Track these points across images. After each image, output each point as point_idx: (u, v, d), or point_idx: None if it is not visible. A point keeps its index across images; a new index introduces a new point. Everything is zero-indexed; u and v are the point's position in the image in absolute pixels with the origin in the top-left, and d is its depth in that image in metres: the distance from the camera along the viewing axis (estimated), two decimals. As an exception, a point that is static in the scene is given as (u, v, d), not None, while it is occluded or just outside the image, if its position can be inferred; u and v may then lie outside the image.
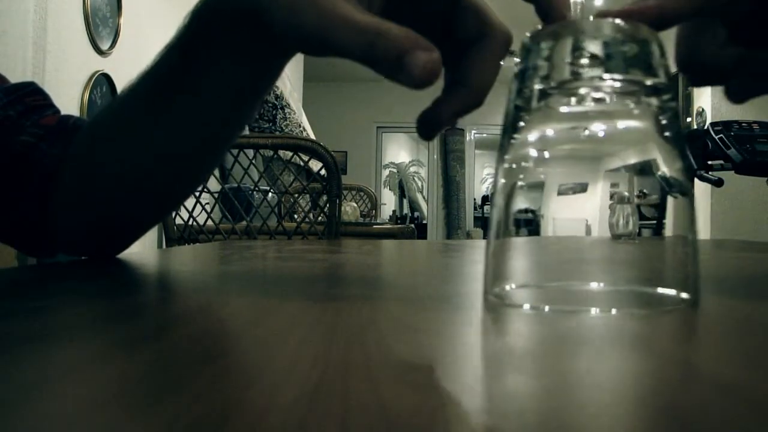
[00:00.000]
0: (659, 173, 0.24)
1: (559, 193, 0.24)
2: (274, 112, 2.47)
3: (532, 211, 0.24)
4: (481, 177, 9.65)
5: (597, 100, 0.24)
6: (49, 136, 0.45)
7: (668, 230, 0.24)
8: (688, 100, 4.52)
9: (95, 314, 0.24)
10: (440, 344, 0.19)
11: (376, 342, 0.18)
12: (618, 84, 0.23)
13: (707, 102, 4.21)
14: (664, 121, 0.24)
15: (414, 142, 9.13)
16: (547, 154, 0.25)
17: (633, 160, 0.24)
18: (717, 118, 3.74)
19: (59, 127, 0.46)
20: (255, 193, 1.64)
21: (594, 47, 0.24)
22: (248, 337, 0.20)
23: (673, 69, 0.28)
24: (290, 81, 3.00)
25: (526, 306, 0.24)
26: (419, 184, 8.94)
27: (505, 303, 0.25)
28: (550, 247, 0.25)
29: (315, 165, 1.52)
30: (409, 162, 8.99)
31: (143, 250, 0.57)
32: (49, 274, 0.38)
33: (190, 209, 1.56)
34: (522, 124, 0.25)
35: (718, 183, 2.06)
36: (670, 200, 0.24)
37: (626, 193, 0.24)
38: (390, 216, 8.00)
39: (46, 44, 1.66)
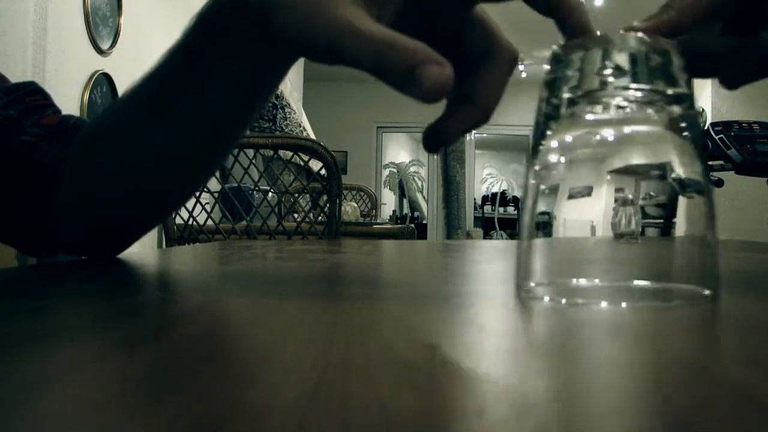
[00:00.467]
0: (679, 175, 0.25)
1: (582, 196, 0.26)
2: (274, 111, 2.47)
3: (548, 214, 0.26)
4: (481, 177, 9.65)
5: (622, 109, 0.25)
6: (50, 135, 0.45)
7: (690, 230, 0.26)
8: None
9: (95, 314, 0.24)
10: (440, 344, 0.19)
11: (376, 342, 0.18)
12: (642, 93, 0.25)
13: (707, 102, 4.21)
14: (685, 127, 0.25)
15: (414, 142, 9.14)
16: (574, 159, 0.27)
17: (653, 163, 0.26)
18: (717, 119, 3.74)
19: (60, 127, 0.46)
20: (255, 192, 1.64)
21: (621, 59, 0.25)
22: (248, 337, 0.20)
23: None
24: (290, 81, 3.00)
25: (559, 301, 0.25)
26: (419, 184, 8.94)
27: (532, 299, 0.26)
28: (574, 248, 0.27)
29: (315, 165, 1.52)
30: (409, 162, 8.99)
31: (143, 250, 0.57)
32: (49, 274, 0.38)
33: (190, 209, 1.56)
34: (550, 131, 0.26)
35: (718, 183, 2.06)
36: (689, 201, 0.25)
37: (630, 196, 0.25)
38: (390, 216, 8.00)
39: (46, 44, 1.66)
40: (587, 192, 0.25)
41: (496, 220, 9.06)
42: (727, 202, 3.95)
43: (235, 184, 1.61)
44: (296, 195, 1.61)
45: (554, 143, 0.26)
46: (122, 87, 2.09)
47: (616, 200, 0.25)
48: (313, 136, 2.58)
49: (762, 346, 0.19)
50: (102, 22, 1.98)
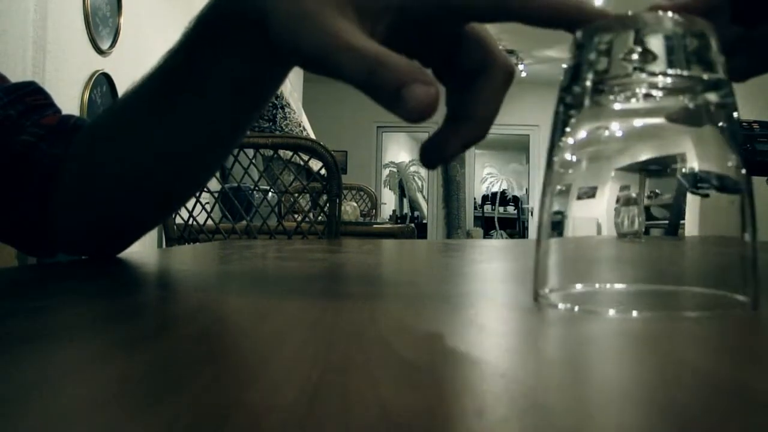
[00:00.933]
0: (714, 171, 0.23)
1: (610, 194, 0.23)
2: (274, 111, 2.47)
3: (561, 212, 0.24)
4: (481, 176, 9.66)
5: (652, 97, 0.23)
6: (50, 135, 0.45)
7: (726, 229, 0.23)
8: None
9: (95, 314, 0.24)
10: (440, 344, 0.19)
11: (376, 342, 0.18)
12: (676, 80, 0.23)
13: (707, 101, 4.21)
14: (722, 118, 0.23)
15: (414, 142, 9.13)
16: (598, 155, 0.24)
17: (690, 157, 0.23)
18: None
19: (60, 127, 0.46)
20: (255, 192, 1.64)
21: (653, 42, 0.23)
22: (248, 337, 0.20)
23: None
24: (290, 81, 3.00)
25: (563, 306, 0.23)
26: (419, 183, 8.94)
27: (550, 305, 0.24)
28: (600, 248, 0.24)
29: (315, 164, 1.52)
30: (409, 161, 8.99)
31: (143, 250, 0.57)
32: (49, 274, 0.38)
33: (190, 209, 1.56)
34: (572, 123, 0.24)
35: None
36: (725, 198, 0.23)
37: (673, 191, 0.23)
38: (390, 215, 8.00)
39: (46, 44, 1.66)
40: (613, 191, 0.23)
41: (496, 220, 9.06)
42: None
43: (235, 184, 1.61)
44: (296, 195, 1.61)
45: (578, 137, 0.24)
46: (122, 87, 2.09)
47: (643, 198, 0.23)
48: (313, 136, 2.58)
49: None
50: (102, 22, 1.98)
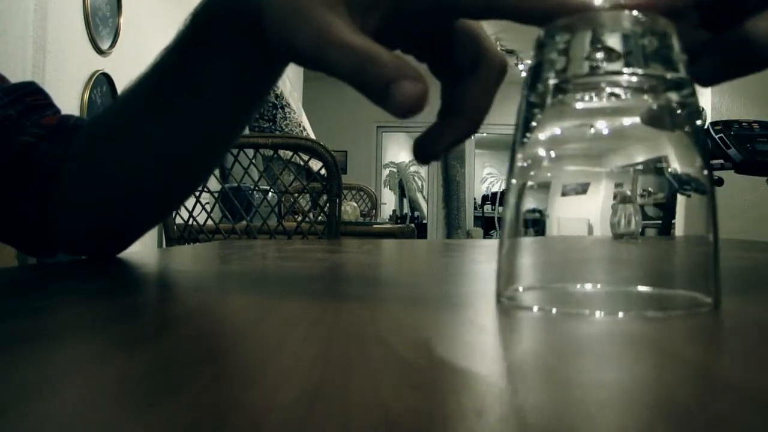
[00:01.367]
0: (677, 171, 0.23)
1: (573, 193, 0.23)
2: (274, 111, 2.47)
3: (540, 212, 0.24)
4: (482, 176, 9.65)
5: (614, 96, 0.23)
6: (50, 136, 0.45)
7: (687, 230, 0.23)
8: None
9: (95, 314, 0.24)
10: (440, 344, 0.19)
11: (376, 342, 0.18)
12: (637, 78, 0.23)
13: (707, 101, 4.21)
14: (684, 117, 0.23)
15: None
16: (561, 153, 0.24)
17: (650, 157, 0.23)
18: (717, 118, 3.73)
19: (59, 127, 0.46)
20: (255, 192, 1.64)
21: (613, 40, 0.23)
22: (248, 337, 0.20)
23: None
24: (290, 81, 3.00)
25: (535, 308, 0.23)
26: (419, 183, 8.94)
27: (517, 305, 0.24)
28: (564, 248, 0.25)
29: (315, 164, 1.52)
30: (409, 161, 8.98)
31: (143, 250, 0.57)
32: (49, 274, 0.38)
33: (190, 209, 1.56)
34: (535, 121, 0.24)
35: (718, 183, 2.06)
36: (687, 199, 0.23)
37: (629, 192, 0.23)
38: (390, 215, 7.99)
39: (46, 44, 1.66)
40: (577, 189, 0.23)
41: (496, 220, 9.06)
42: (727, 202, 3.95)
43: (235, 184, 1.61)
44: (296, 195, 1.61)
45: (540, 135, 0.24)
46: (122, 87, 2.08)
47: (610, 198, 0.23)
48: (313, 136, 2.58)
49: (762, 352, 0.19)
50: (102, 22, 1.97)
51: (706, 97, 4.23)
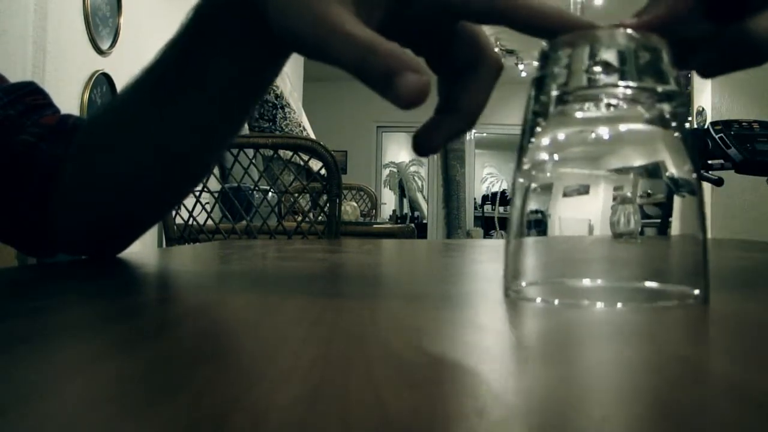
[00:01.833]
0: (668, 174, 0.25)
1: (575, 194, 0.25)
2: (274, 111, 2.46)
3: (541, 212, 0.26)
4: (482, 176, 9.65)
5: (611, 107, 0.25)
6: (50, 135, 0.45)
7: (678, 230, 0.25)
8: (688, 99, 4.52)
9: (95, 314, 0.24)
10: (440, 344, 0.19)
11: (376, 342, 0.18)
12: (631, 91, 0.25)
13: (707, 101, 4.21)
14: (674, 125, 0.25)
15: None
16: (563, 157, 0.26)
17: (645, 162, 0.26)
18: (717, 118, 3.73)
19: (59, 127, 0.46)
20: (255, 192, 1.64)
21: (609, 56, 0.25)
22: (248, 336, 0.20)
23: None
24: (290, 81, 3.00)
25: (538, 300, 0.25)
26: (419, 183, 8.94)
27: (522, 299, 0.26)
28: (566, 247, 0.26)
29: (315, 164, 1.52)
30: (409, 161, 8.99)
31: (143, 250, 0.57)
32: (49, 274, 0.38)
33: (190, 209, 1.56)
34: (539, 128, 0.26)
35: (718, 182, 2.06)
36: (679, 200, 0.25)
37: (629, 194, 0.25)
38: (390, 215, 8.00)
39: (46, 44, 1.66)
40: (577, 190, 0.25)
41: (496, 220, 9.05)
42: (727, 202, 3.95)
43: (235, 184, 1.61)
44: (296, 195, 1.61)
45: (543, 141, 0.26)
46: (122, 87, 2.08)
47: (609, 199, 0.25)
48: (313, 136, 2.58)
49: (754, 345, 0.19)
50: (102, 22, 1.98)
51: (706, 97, 4.23)
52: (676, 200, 0.25)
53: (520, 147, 0.26)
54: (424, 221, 8.07)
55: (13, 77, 0.50)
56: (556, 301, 0.24)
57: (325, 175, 1.49)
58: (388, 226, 2.65)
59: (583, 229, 0.26)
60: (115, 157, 0.43)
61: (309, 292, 0.31)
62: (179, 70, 0.38)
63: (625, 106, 0.25)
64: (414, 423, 0.11)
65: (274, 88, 2.32)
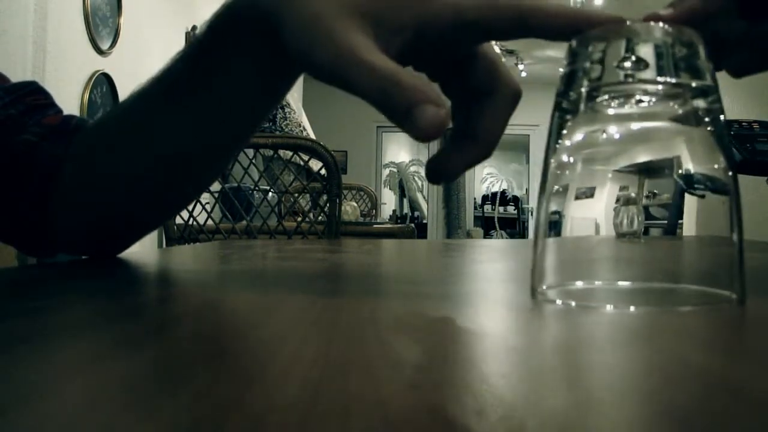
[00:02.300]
0: (704, 173, 0.24)
1: (606, 195, 0.25)
2: (274, 111, 2.46)
3: (560, 212, 0.25)
4: (482, 176, 9.65)
5: (644, 102, 0.24)
6: (51, 135, 0.45)
7: (715, 230, 0.25)
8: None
9: (95, 314, 0.24)
10: (440, 343, 0.19)
11: (376, 341, 0.18)
12: (667, 87, 0.24)
13: (707, 101, 4.21)
14: (708, 122, 0.24)
15: (414, 142, 9.09)
16: (593, 156, 0.26)
17: (684, 160, 0.25)
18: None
19: (61, 127, 0.46)
20: (255, 192, 1.64)
21: (645, 50, 0.24)
22: (248, 336, 0.20)
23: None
24: (290, 81, 3.00)
25: (573, 303, 0.24)
26: (419, 183, 8.93)
27: (553, 301, 0.25)
28: (598, 247, 0.26)
29: (315, 164, 1.52)
30: (410, 161, 8.99)
31: (143, 250, 0.57)
32: (49, 274, 0.38)
33: (190, 209, 1.56)
34: (568, 126, 0.25)
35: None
36: (714, 200, 0.24)
37: (669, 193, 0.24)
38: (390, 215, 8.00)
39: (46, 44, 1.66)
40: (608, 191, 0.25)
41: (496, 220, 9.05)
42: (727, 202, 3.95)
43: (235, 184, 1.61)
44: (296, 195, 1.61)
45: (574, 140, 0.25)
46: (122, 87, 2.09)
47: (642, 198, 0.24)
48: (313, 136, 2.58)
49: None
50: (102, 22, 1.98)
51: (706, 97, 4.23)
52: (711, 199, 0.24)
53: (548, 147, 0.25)
54: (424, 221, 8.06)
55: (13, 77, 0.50)
56: (577, 304, 0.24)
57: (325, 175, 1.49)
58: (388, 226, 2.65)
59: (611, 229, 0.25)
60: (118, 160, 0.43)
61: (309, 292, 0.31)
62: (189, 82, 0.38)
63: (658, 103, 0.24)
64: (414, 423, 0.11)
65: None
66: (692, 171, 0.24)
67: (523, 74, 6.08)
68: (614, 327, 0.21)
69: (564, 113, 0.25)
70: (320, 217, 1.56)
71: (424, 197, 8.58)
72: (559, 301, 0.24)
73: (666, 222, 0.25)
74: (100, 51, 1.96)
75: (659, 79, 0.24)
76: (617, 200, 0.24)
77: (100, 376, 0.15)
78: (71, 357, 0.17)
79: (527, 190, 9.28)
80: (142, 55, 2.20)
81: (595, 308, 0.23)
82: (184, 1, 2.58)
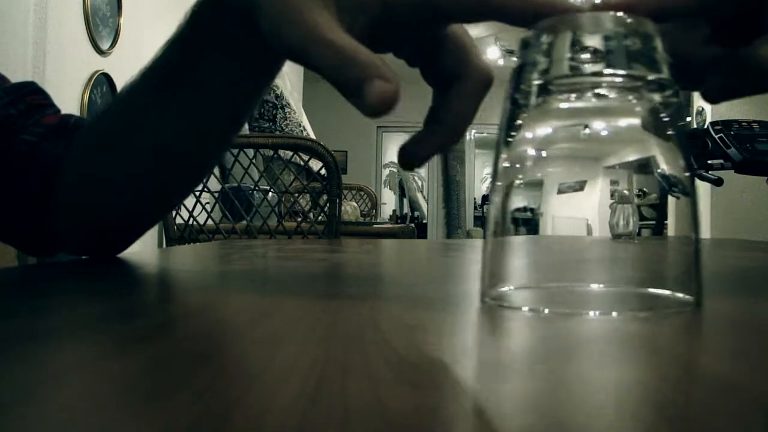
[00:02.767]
0: (660, 171, 0.23)
1: (559, 192, 0.24)
2: (274, 111, 2.46)
3: (531, 210, 0.24)
4: (482, 176, 9.65)
5: (597, 96, 0.23)
6: (51, 134, 0.45)
7: (670, 230, 0.24)
8: (688, 99, 4.52)
9: (95, 314, 0.24)
10: (440, 343, 0.19)
11: (376, 342, 0.18)
12: (619, 79, 0.23)
13: (707, 101, 4.21)
14: (666, 118, 0.23)
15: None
16: (545, 152, 0.25)
17: (633, 157, 0.24)
18: (717, 118, 3.72)
19: (61, 126, 0.46)
20: (255, 192, 1.64)
21: (595, 41, 0.23)
22: (248, 336, 0.20)
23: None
24: (290, 80, 3.00)
25: (525, 308, 0.23)
26: (419, 183, 8.93)
27: (503, 305, 0.24)
28: (549, 247, 0.25)
29: (315, 164, 1.52)
30: (410, 162, 8.97)
31: (143, 250, 0.57)
32: (49, 274, 0.38)
33: (190, 209, 1.56)
34: (520, 121, 0.24)
35: (718, 182, 2.06)
36: (670, 200, 0.23)
37: (626, 192, 0.23)
38: (390, 215, 7.99)
39: (46, 44, 1.66)
40: (564, 188, 0.24)
41: (496, 220, 9.03)
42: (727, 202, 3.95)
43: (235, 184, 1.61)
44: (296, 195, 1.61)
45: (525, 135, 0.24)
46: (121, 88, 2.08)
47: (599, 197, 0.23)
48: (313, 136, 2.57)
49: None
50: (102, 22, 1.97)
51: (706, 97, 4.22)
52: (669, 200, 0.23)
53: (498, 141, 0.25)
54: (424, 221, 8.06)
55: (13, 77, 0.50)
56: (537, 308, 0.23)
57: (325, 175, 1.49)
58: (388, 226, 2.65)
59: (571, 229, 0.24)
60: (114, 156, 0.43)
61: (309, 292, 0.31)
62: (176, 70, 0.38)
63: (612, 96, 0.23)
64: (414, 423, 0.11)
65: (274, 87, 2.32)
66: (651, 169, 0.23)
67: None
68: (555, 333, 0.21)
69: (516, 107, 0.24)
70: (320, 217, 1.56)
71: (424, 197, 8.58)
72: (505, 305, 0.24)
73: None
74: (100, 51, 1.96)
75: (608, 71, 0.22)
76: (582, 199, 0.24)
77: (100, 376, 0.15)
78: (71, 357, 0.17)
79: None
80: (142, 55, 2.19)
81: (539, 313, 0.22)
82: (185, 1, 2.58)
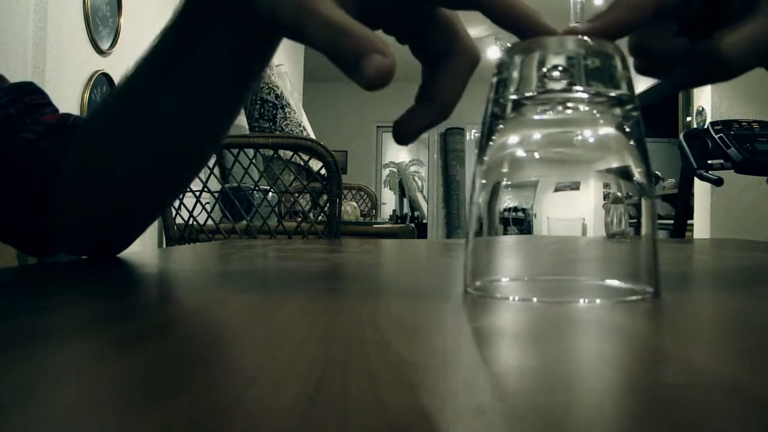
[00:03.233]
0: (623, 175, 0.27)
1: (536, 193, 0.27)
2: (274, 111, 2.46)
3: (518, 210, 0.27)
4: (482, 176, 9.64)
5: (565, 110, 0.27)
6: (50, 133, 0.45)
7: (636, 229, 0.27)
8: (688, 99, 4.52)
9: (95, 314, 0.24)
10: (440, 343, 0.19)
11: (375, 341, 0.18)
12: (583, 95, 0.26)
13: (707, 101, 4.21)
14: (627, 129, 0.26)
15: (415, 142, 9.09)
16: (521, 158, 0.28)
17: (600, 163, 0.27)
18: (717, 118, 3.73)
19: (60, 125, 0.46)
20: (255, 192, 1.64)
21: (559, 61, 0.26)
22: (248, 336, 0.20)
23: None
24: (290, 81, 3.00)
25: (511, 298, 0.26)
26: (419, 183, 8.93)
27: (485, 296, 0.27)
28: (525, 245, 0.28)
29: (315, 164, 1.52)
30: (409, 161, 8.99)
31: (143, 250, 0.57)
32: (49, 274, 0.38)
33: (190, 209, 1.56)
34: (497, 130, 0.27)
35: (718, 182, 2.06)
36: (635, 200, 0.26)
37: (619, 194, 0.26)
38: (390, 215, 8.00)
39: (46, 44, 1.66)
40: (537, 190, 0.27)
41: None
42: (727, 202, 3.95)
43: (235, 184, 1.61)
44: (296, 195, 1.61)
45: (502, 142, 0.27)
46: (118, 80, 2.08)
47: (568, 200, 0.26)
48: (313, 136, 2.58)
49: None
50: (102, 22, 1.98)
51: (706, 96, 4.22)
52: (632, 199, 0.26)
53: (480, 147, 0.28)
54: (424, 221, 8.06)
55: (13, 77, 0.50)
56: (514, 298, 0.26)
57: (325, 175, 1.49)
58: (388, 226, 2.65)
59: (550, 227, 0.27)
60: (113, 148, 0.43)
61: (309, 292, 0.31)
62: (174, 54, 0.38)
63: (578, 110, 0.27)
64: (414, 423, 0.11)
65: (274, 88, 2.32)
66: (611, 172, 0.27)
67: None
68: (528, 318, 0.22)
69: (494, 118, 0.27)
70: (320, 217, 1.56)
71: (424, 197, 8.58)
72: (486, 295, 0.27)
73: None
74: (100, 51, 1.96)
75: (573, 88, 0.26)
76: (552, 201, 0.27)
77: (100, 376, 0.15)
78: (71, 357, 0.17)
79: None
80: (142, 55, 2.20)
81: (515, 301, 0.26)
82: (184, 1, 2.58)
